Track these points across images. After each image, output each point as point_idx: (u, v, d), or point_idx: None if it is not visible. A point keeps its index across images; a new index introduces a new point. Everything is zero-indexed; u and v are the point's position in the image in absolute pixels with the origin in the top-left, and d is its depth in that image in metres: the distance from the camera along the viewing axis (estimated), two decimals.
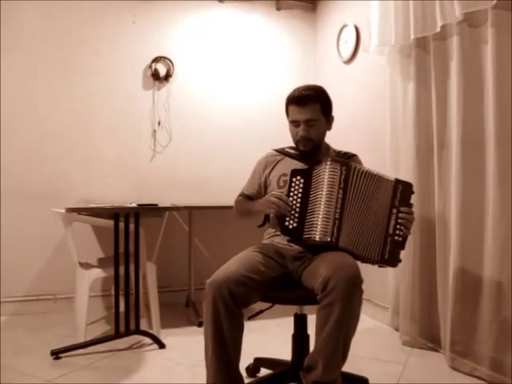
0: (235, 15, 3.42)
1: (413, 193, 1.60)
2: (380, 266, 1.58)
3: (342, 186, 1.54)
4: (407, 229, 1.56)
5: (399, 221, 1.55)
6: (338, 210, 1.53)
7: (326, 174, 1.55)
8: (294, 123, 1.71)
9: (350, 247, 1.53)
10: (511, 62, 1.78)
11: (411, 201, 1.60)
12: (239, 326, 1.47)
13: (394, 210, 1.55)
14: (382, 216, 1.55)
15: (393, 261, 1.54)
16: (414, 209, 2.19)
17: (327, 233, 1.52)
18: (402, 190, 1.57)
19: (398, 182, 1.59)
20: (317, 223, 1.53)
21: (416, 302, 2.25)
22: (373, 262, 1.56)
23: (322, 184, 1.55)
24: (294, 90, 1.72)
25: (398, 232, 1.54)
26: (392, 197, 1.56)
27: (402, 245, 1.56)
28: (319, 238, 1.52)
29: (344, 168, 1.55)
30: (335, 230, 1.52)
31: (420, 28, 2.14)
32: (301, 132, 1.69)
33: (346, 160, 1.68)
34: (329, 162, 1.57)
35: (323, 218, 1.52)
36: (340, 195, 1.54)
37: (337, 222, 1.52)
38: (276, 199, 1.57)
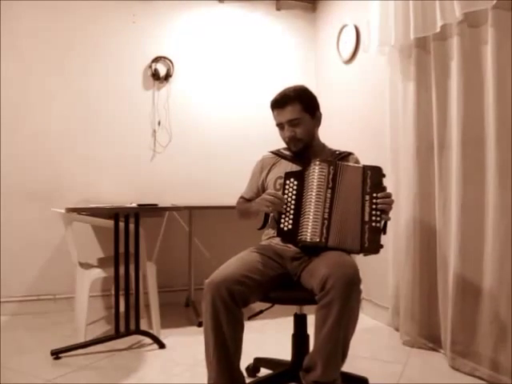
0: (235, 15, 3.43)
1: (383, 176, 1.58)
2: (365, 255, 1.57)
3: (330, 185, 1.56)
4: (385, 213, 1.54)
5: (374, 206, 1.54)
6: (327, 210, 1.54)
7: (315, 174, 1.58)
8: (279, 126, 1.75)
9: (340, 245, 1.53)
10: (511, 62, 1.78)
11: (384, 184, 1.59)
12: (239, 326, 1.47)
13: (367, 197, 1.54)
14: (356, 205, 1.55)
15: (373, 248, 1.53)
16: (413, 208, 2.24)
17: (316, 233, 1.53)
18: (371, 175, 1.56)
19: (365, 168, 1.58)
20: (307, 224, 1.55)
21: (416, 302, 2.25)
22: (355, 252, 1.56)
23: (312, 185, 1.57)
24: (275, 95, 1.75)
25: (374, 218, 1.53)
26: (362, 184, 1.56)
27: (380, 230, 1.54)
28: (310, 238, 1.53)
29: (332, 167, 1.57)
30: (324, 230, 1.53)
31: (420, 28, 2.14)
32: (286, 133, 1.72)
33: (335, 159, 1.68)
34: (317, 163, 1.59)
35: (313, 218, 1.54)
36: (329, 195, 1.56)
37: (326, 222, 1.54)
38: (271, 197, 1.59)
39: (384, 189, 1.57)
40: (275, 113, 1.75)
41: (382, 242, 1.55)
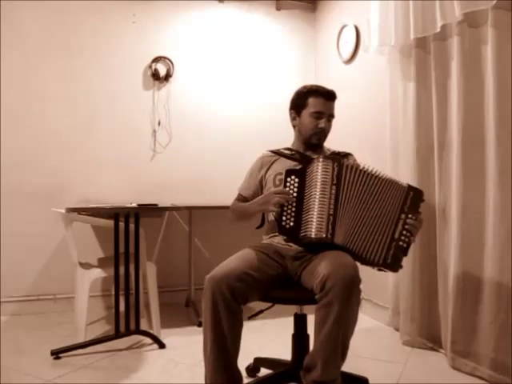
0: (235, 15, 3.43)
1: (423, 201, 1.59)
2: (379, 270, 1.57)
3: (334, 182, 1.55)
4: (413, 236, 1.56)
5: (406, 227, 1.55)
6: (332, 207, 1.53)
7: (318, 171, 1.56)
8: (317, 114, 1.75)
9: (347, 244, 1.53)
10: (511, 62, 1.78)
11: (420, 209, 1.59)
12: (238, 322, 1.47)
13: (403, 216, 1.55)
14: (389, 220, 1.55)
15: (395, 266, 1.54)
16: None
17: (322, 229, 1.52)
18: (413, 196, 1.57)
19: (410, 188, 1.59)
20: (312, 220, 1.53)
21: (416, 302, 2.25)
22: (374, 265, 1.55)
23: (315, 182, 1.56)
24: (315, 85, 1.79)
25: (403, 238, 1.54)
26: (403, 202, 1.56)
27: (405, 251, 1.55)
28: (315, 234, 1.52)
29: (336, 164, 1.56)
30: (330, 226, 1.52)
31: (420, 28, 2.14)
32: (322, 124, 1.74)
33: (338, 157, 1.68)
34: (321, 159, 1.57)
35: (317, 214, 1.53)
36: (333, 191, 1.54)
37: (331, 218, 1.52)
38: (278, 194, 1.56)
39: (419, 213, 1.58)
40: (318, 101, 1.75)
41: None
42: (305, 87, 1.80)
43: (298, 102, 1.80)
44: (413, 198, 1.56)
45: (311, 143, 1.78)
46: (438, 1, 2.01)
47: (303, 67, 3.57)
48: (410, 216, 1.55)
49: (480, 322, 1.89)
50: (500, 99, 1.80)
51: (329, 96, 1.76)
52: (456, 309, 1.97)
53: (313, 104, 1.75)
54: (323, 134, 1.77)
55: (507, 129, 1.79)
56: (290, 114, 1.85)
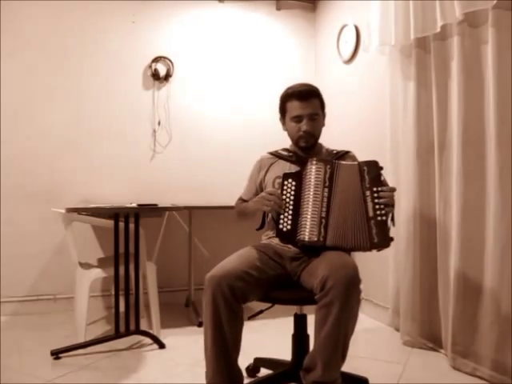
0: (235, 15, 3.43)
1: (381, 168, 1.56)
2: (378, 250, 1.55)
3: (327, 184, 1.56)
4: (388, 206, 1.52)
5: (376, 201, 1.52)
6: (324, 209, 1.54)
7: (312, 174, 1.57)
8: (296, 119, 1.71)
9: (339, 243, 1.53)
10: (511, 61, 1.78)
11: (383, 177, 1.58)
12: (239, 321, 1.47)
13: (368, 193, 1.53)
14: (357, 202, 1.54)
15: (383, 242, 1.51)
16: (413, 208, 2.24)
17: (314, 232, 1.53)
18: (368, 170, 1.55)
19: (360, 164, 1.57)
20: (305, 224, 1.55)
21: (416, 302, 2.25)
22: (365, 250, 1.54)
23: (309, 185, 1.57)
24: (291, 87, 1.74)
25: (378, 213, 1.51)
26: (360, 180, 1.55)
27: (386, 224, 1.52)
28: (308, 238, 1.53)
29: (328, 166, 1.57)
30: (322, 230, 1.53)
31: (420, 28, 2.14)
32: (304, 127, 1.69)
33: (332, 158, 1.67)
34: (314, 162, 1.58)
35: (311, 218, 1.54)
36: (326, 194, 1.55)
37: (323, 220, 1.53)
38: (269, 195, 1.58)
39: (383, 181, 1.56)
40: (294, 104, 1.70)
41: (392, 235, 1.53)
42: (286, 90, 1.76)
43: (281, 108, 1.78)
44: (369, 172, 1.54)
45: (300, 147, 1.75)
46: (438, 1, 2.01)
47: (303, 67, 3.57)
48: (374, 190, 1.53)
49: (480, 322, 1.89)
50: (500, 99, 1.79)
51: (303, 96, 1.68)
52: (456, 309, 1.97)
53: (290, 108, 1.72)
54: (309, 135, 1.70)
55: (507, 129, 1.79)
56: (280, 121, 1.82)
